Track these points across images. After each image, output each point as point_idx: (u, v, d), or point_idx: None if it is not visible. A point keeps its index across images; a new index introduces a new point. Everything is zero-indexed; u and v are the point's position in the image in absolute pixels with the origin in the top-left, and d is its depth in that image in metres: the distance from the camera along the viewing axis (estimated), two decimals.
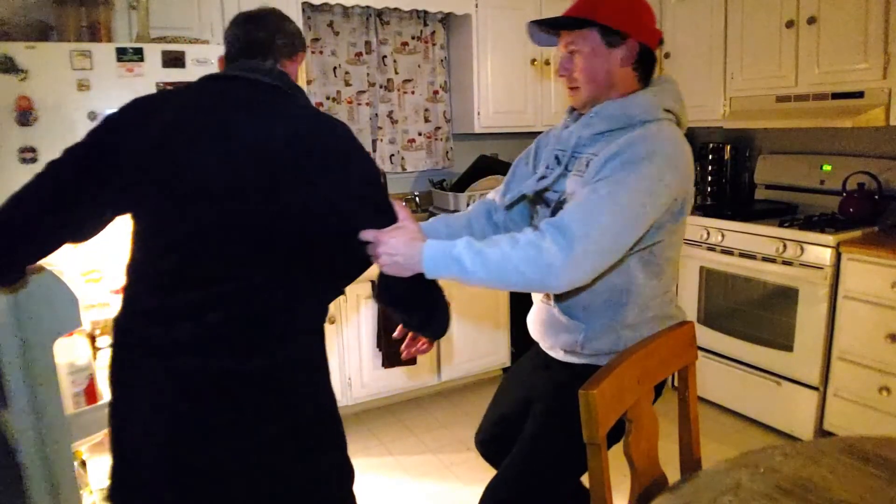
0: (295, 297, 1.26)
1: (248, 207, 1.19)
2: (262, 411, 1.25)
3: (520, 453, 1.55)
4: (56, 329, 1.78)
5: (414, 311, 1.41)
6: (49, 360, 1.75)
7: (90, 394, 2.01)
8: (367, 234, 1.25)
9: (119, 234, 2.83)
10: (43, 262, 1.78)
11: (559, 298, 1.53)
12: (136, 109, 1.38)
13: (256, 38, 1.34)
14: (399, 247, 1.25)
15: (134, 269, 1.37)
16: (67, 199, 1.34)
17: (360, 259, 1.30)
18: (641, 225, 1.33)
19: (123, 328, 1.34)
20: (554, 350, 1.61)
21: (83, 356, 2.05)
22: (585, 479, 1.29)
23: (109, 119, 1.39)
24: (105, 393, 2.09)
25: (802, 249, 2.78)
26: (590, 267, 1.28)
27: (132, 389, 1.30)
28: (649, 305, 1.50)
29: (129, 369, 1.31)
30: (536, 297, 1.66)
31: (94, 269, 2.77)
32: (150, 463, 1.26)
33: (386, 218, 1.29)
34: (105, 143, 1.35)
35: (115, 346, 1.36)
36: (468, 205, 3.59)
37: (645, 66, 1.48)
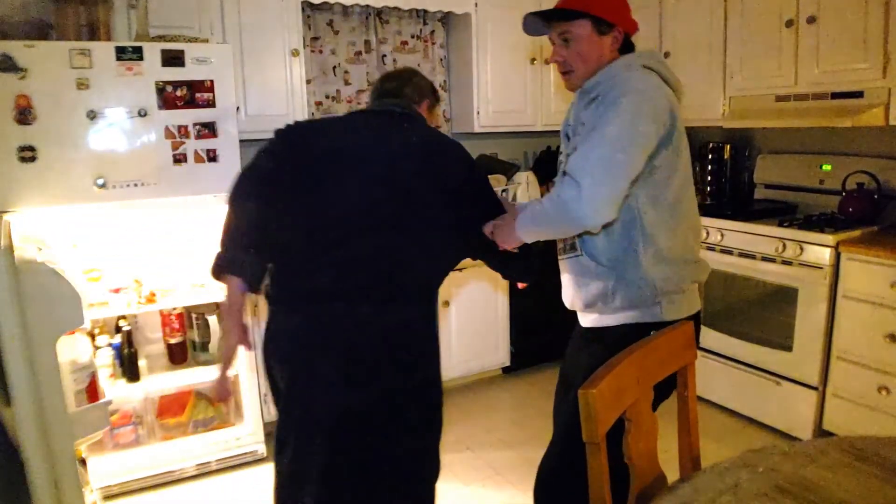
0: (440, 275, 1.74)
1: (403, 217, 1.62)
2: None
3: (556, 433, 1.78)
4: (59, 327, 1.79)
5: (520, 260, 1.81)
6: (52, 357, 1.76)
7: (92, 392, 2.02)
8: (487, 228, 1.68)
9: (118, 234, 2.84)
10: (44, 260, 1.78)
11: (586, 249, 1.66)
12: (296, 134, 1.70)
13: (390, 88, 1.84)
14: (507, 231, 1.62)
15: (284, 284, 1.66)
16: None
17: (482, 244, 1.72)
18: (633, 151, 1.46)
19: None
20: (587, 313, 1.71)
21: (85, 354, 2.06)
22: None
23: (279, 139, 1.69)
24: (106, 392, 2.09)
25: (802, 249, 2.78)
26: (602, 195, 1.42)
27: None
28: (669, 246, 1.59)
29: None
30: (564, 266, 1.76)
31: (94, 268, 2.77)
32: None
33: (498, 208, 1.74)
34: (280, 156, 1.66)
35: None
36: None
37: (627, 51, 1.69)
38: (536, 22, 1.73)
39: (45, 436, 1.77)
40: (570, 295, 1.74)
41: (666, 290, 1.59)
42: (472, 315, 3.49)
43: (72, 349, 1.99)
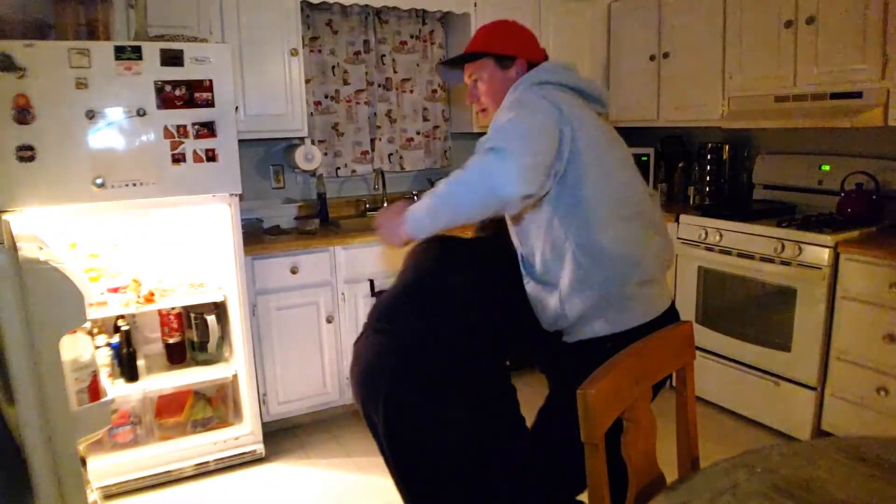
0: None
1: None
2: None
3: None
4: (63, 326, 1.80)
5: None
6: (55, 356, 1.77)
7: (93, 391, 2.02)
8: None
9: (117, 234, 2.84)
10: (46, 258, 1.78)
11: (531, 276, 1.71)
12: None
13: None
14: (383, 220, 1.56)
15: None
16: None
17: None
18: (539, 133, 1.47)
19: None
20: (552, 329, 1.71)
21: (86, 353, 2.06)
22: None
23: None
24: (108, 390, 2.10)
25: (800, 249, 2.78)
26: (525, 162, 1.40)
27: None
28: (598, 259, 1.57)
29: None
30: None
31: (92, 267, 2.77)
32: None
33: None
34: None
35: None
36: None
37: None
38: (448, 71, 1.87)
39: (48, 435, 1.78)
40: (540, 319, 1.76)
41: (610, 302, 1.58)
42: None
43: (73, 348, 1.99)
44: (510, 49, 1.74)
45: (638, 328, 1.57)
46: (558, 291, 1.63)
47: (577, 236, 1.58)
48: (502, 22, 1.83)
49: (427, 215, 1.50)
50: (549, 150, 1.48)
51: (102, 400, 2.01)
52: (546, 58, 1.79)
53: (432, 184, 3.85)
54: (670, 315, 1.67)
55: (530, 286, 1.72)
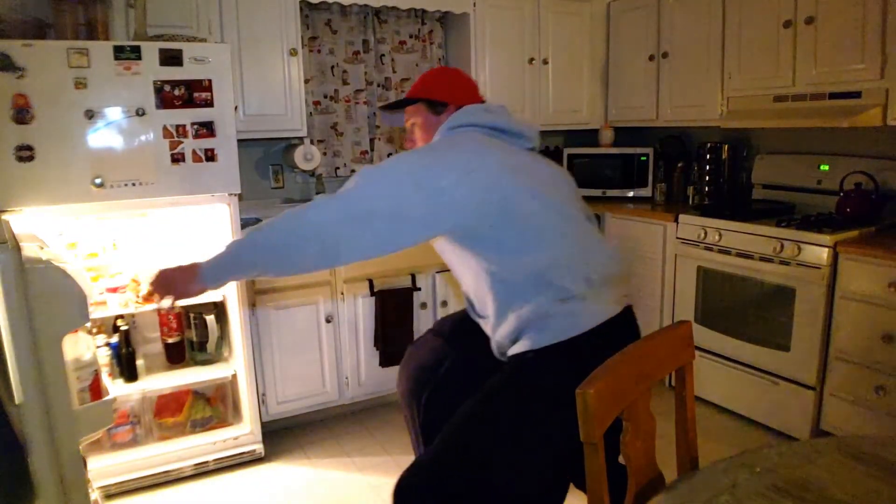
0: None
1: None
2: None
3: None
4: (65, 325, 1.80)
5: None
6: (58, 355, 1.78)
7: (95, 389, 2.03)
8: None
9: (116, 234, 2.84)
10: (48, 258, 1.78)
11: (472, 312, 1.79)
12: None
13: None
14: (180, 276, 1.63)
15: None
16: None
17: None
18: (393, 208, 1.50)
19: None
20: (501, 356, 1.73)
21: (88, 352, 2.06)
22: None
23: None
24: (109, 389, 2.10)
25: (799, 249, 2.78)
26: (349, 207, 1.50)
27: None
28: (509, 280, 1.59)
29: None
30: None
31: (92, 267, 2.77)
32: None
33: None
34: None
35: None
36: None
37: None
38: (389, 115, 1.97)
39: (51, 433, 1.79)
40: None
41: (529, 323, 1.57)
42: None
43: (75, 347, 2.00)
44: (443, 96, 1.81)
45: (562, 343, 1.54)
46: (490, 323, 1.66)
47: (491, 268, 1.60)
48: (442, 69, 1.94)
49: (222, 268, 1.61)
50: (419, 204, 1.50)
51: (104, 399, 2.02)
52: (478, 101, 1.85)
53: None
54: (615, 324, 1.60)
55: (479, 322, 1.77)
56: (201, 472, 2.77)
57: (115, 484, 2.61)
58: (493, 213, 1.54)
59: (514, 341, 1.61)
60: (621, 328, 1.61)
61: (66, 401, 1.82)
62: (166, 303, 1.67)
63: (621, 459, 1.43)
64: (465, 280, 1.72)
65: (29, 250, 1.76)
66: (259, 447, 2.88)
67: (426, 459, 1.59)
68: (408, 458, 2.85)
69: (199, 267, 1.61)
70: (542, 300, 1.55)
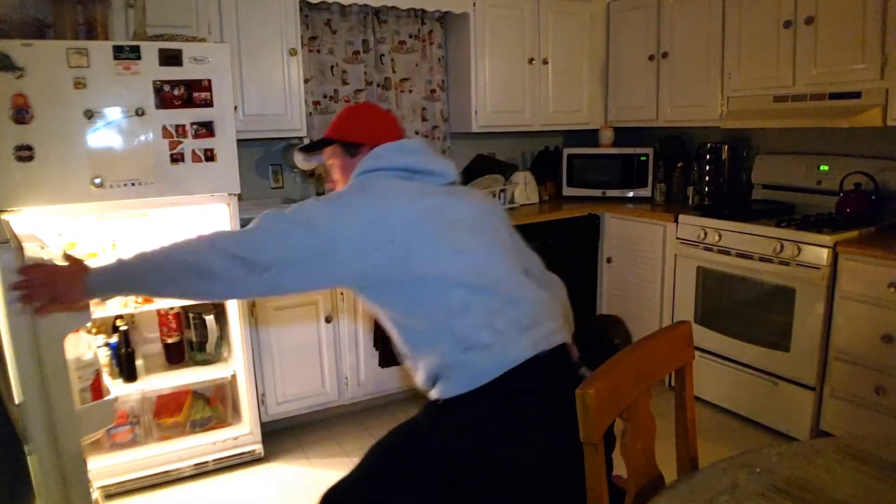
0: None
1: None
2: None
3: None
4: (67, 324, 1.81)
5: None
6: (60, 355, 1.78)
7: (96, 389, 2.03)
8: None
9: (115, 233, 2.83)
10: (49, 257, 1.79)
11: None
12: None
13: None
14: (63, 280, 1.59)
15: None
16: None
17: None
18: (302, 257, 1.46)
19: None
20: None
21: (89, 352, 2.06)
22: None
23: None
24: (110, 388, 2.10)
25: (799, 249, 2.78)
26: (254, 243, 1.49)
27: None
28: (410, 332, 1.57)
29: None
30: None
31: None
32: None
33: None
34: None
35: None
36: None
37: None
38: (309, 155, 1.92)
39: (52, 433, 1.79)
40: None
41: (432, 373, 1.54)
42: None
43: (76, 347, 2.00)
44: (356, 136, 1.74)
45: (465, 395, 1.47)
46: (409, 366, 1.63)
47: (396, 316, 1.57)
48: (356, 108, 1.85)
49: (108, 279, 1.55)
50: (299, 251, 1.47)
51: (105, 398, 2.02)
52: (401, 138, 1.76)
53: None
54: (531, 367, 1.48)
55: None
56: (201, 472, 2.77)
57: (115, 484, 2.61)
58: (394, 265, 1.48)
59: (432, 386, 1.55)
60: (541, 371, 1.49)
61: (68, 400, 1.82)
62: (34, 307, 1.60)
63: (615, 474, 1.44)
64: (387, 326, 1.64)
65: (30, 250, 1.77)
66: (258, 447, 2.87)
67: (347, 479, 1.61)
68: None
69: (85, 273, 1.54)
70: (446, 349, 1.49)
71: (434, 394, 1.53)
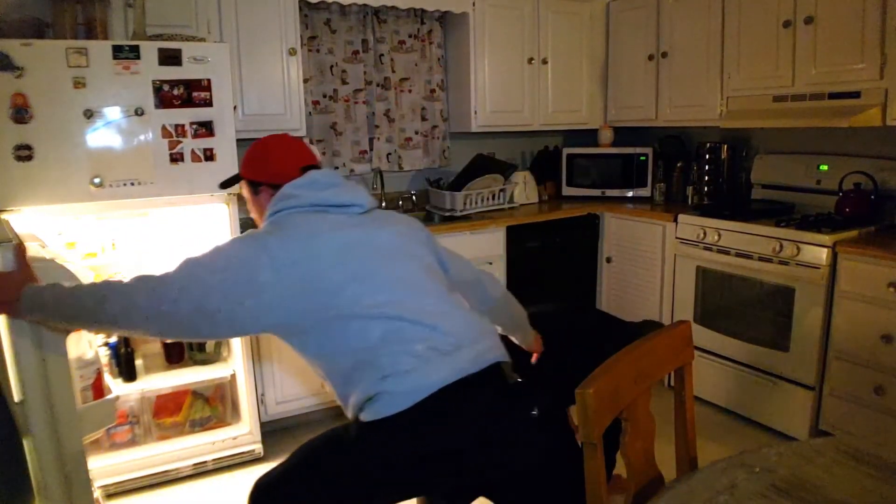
0: None
1: None
2: None
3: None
4: None
5: None
6: (62, 354, 1.78)
7: (97, 388, 2.03)
8: None
9: (115, 233, 2.83)
10: (51, 256, 1.78)
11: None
12: None
13: None
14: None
15: None
16: None
17: None
18: (206, 294, 1.45)
19: None
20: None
21: (90, 351, 2.06)
22: None
23: None
24: (112, 388, 2.10)
25: (799, 249, 2.78)
26: (149, 304, 1.46)
27: None
28: (327, 368, 1.60)
29: None
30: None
31: (91, 267, 2.76)
32: None
33: None
34: None
35: None
36: (465, 204, 3.59)
37: None
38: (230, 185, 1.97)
39: (54, 431, 1.80)
40: None
41: (357, 403, 1.53)
42: None
43: (77, 346, 2.00)
44: (256, 175, 1.75)
45: (406, 412, 1.45)
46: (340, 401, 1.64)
47: (317, 361, 1.59)
48: (261, 143, 1.80)
49: (34, 302, 1.52)
50: (193, 304, 1.45)
51: (107, 397, 2.02)
52: (304, 168, 1.72)
53: (430, 183, 3.85)
54: (458, 389, 1.47)
55: None
56: (200, 471, 2.77)
57: (114, 484, 2.61)
58: (309, 307, 1.48)
59: (358, 414, 1.54)
60: (468, 391, 1.48)
61: (70, 399, 1.82)
62: None
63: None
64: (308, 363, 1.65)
65: (31, 249, 1.77)
66: (258, 447, 2.87)
67: (279, 468, 1.59)
68: None
69: (24, 288, 1.52)
70: (368, 380, 1.49)
71: (361, 416, 1.52)
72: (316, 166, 1.75)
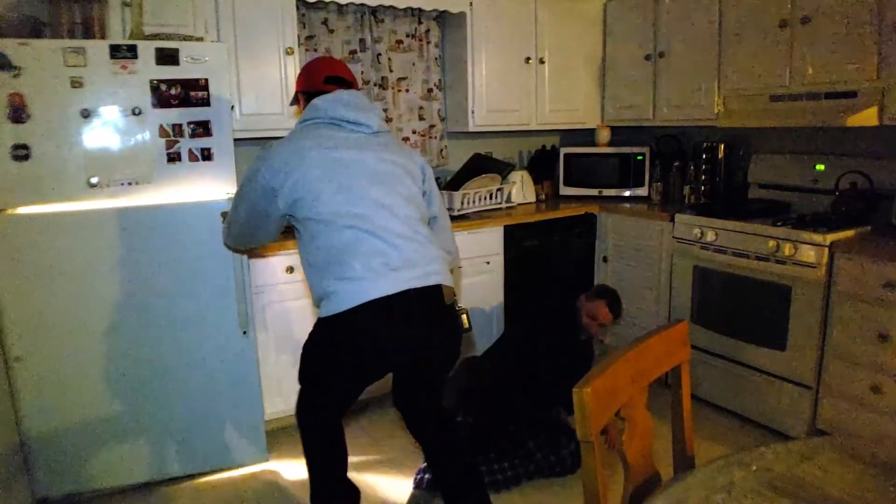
0: None
1: None
2: None
3: None
4: None
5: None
6: None
7: None
8: None
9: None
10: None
11: None
12: None
13: None
14: None
15: None
16: None
17: None
18: (246, 200, 1.98)
19: None
20: None
21: None
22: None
23: None
24: None
25: (796, 248, 2.79)
26: (227, 233, 2.25)
27: None
28: (307, 261, 1.95)
29: None
30: None
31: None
32: None
33: None
34: None
35: None
36: (462, 203, 3.59)
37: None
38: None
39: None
40: None
41: (319, 295, 1.91)
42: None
43: None
44: (297, 86, 2.15)
45: (344, 313, 1.82)
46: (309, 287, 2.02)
47: (301, 251, 1.97)
48: (310, 61, 2.18)
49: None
50: (246, 212, 2.01)
51: None
52: (326, 78, 2.07)
53: None
54: (399, 300, 1.83)
55: None
56: (200, 471, 2.77)
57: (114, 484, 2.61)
58: (300, 205, 1.86)
59: (318, 306, 1.92)
60: (409, 303, 1.85)
61: None
62: None
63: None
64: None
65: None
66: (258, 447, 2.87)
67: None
68: (404, 457, 2.86)
69: None
70: (328, 278, 1.85)
71: (320, 313, 1.90)
72: (344, 79, 2.08)
